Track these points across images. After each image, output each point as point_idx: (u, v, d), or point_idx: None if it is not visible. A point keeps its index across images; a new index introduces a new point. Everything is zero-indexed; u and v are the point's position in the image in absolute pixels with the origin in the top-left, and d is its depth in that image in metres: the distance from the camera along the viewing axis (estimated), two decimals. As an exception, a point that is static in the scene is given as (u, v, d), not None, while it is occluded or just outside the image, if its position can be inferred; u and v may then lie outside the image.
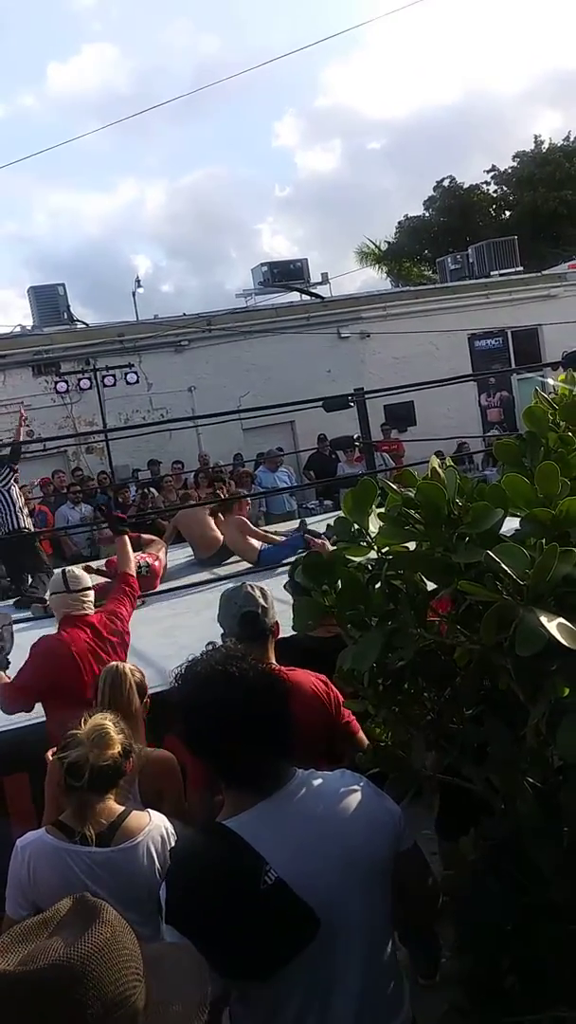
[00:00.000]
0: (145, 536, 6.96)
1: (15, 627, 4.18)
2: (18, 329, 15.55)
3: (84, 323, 16.16)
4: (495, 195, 30.51)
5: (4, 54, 75.82)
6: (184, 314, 16.30)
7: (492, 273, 18.86)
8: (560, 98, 46.22)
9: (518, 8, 65.07)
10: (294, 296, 17.89)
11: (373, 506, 1.68)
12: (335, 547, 1.74)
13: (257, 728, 1.54)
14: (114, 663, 2.99)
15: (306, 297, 17.71)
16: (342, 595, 1.63)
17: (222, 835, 1.50)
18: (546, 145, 29.24)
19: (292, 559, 3.91)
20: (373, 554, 1.66)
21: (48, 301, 16.06)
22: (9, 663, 3.69)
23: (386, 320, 16.93)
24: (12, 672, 3.59)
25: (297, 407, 9.47)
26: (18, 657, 3.63)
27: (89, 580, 3.77)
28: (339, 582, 1.64)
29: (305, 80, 72.18)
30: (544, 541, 1.35)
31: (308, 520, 7.74)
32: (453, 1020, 1.50)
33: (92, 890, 1.90)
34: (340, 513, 1.74)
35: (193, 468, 13.04)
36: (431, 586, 1.57)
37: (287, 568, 3.82)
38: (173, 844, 2.16)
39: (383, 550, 1.64)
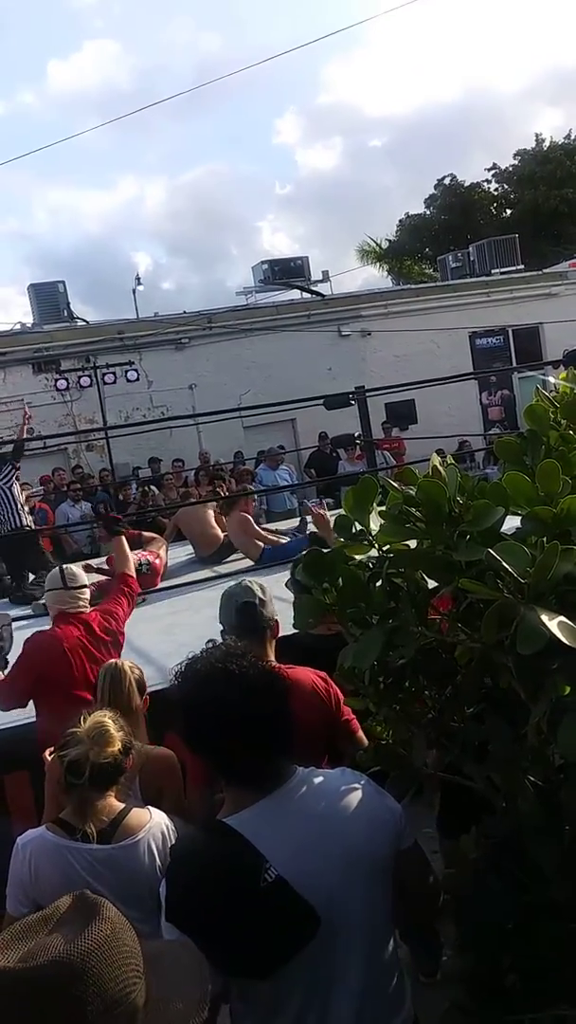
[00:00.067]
0: (146, 534, 6.95)
1: (15, 625, 4.18)
2: (18, 326, 15.54)
3: (84, 320, 16.16)
4: (496, 193, 30.47)
5: (5, 51, 75.87)
6: (184, 312, 16.30)
7: (493, 271, 18.84)
8: (561, 96, 46.19)
9: (519, 6, 65.05)
10: (295, 294, 17.88)
11: (374, 504, 1.68)
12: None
13: (257, 726, 1.54)
14: (113, 660, 3.00)
15: (307, 295, 17.69)
16: (343, 593, 1.63)
17: (222, 833, 1.50)
18: (547, 143, 29.19)
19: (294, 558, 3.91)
20: (374, 552, 1.66)
21: (48, 298, 16.03)
22: (8, 663, 3.69)
23: (387, 318, 16.91)
24: (10, 673, 3.60)
25: (298, 405, 9.45)
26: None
27: (86, 578, 3.76)
28: (340, 580, 1.64)
29: (306, 77, 72.33)
30: (545, 539, 1.34)
31: (308, 518, 7.74)
32: (454, 1018, 1.50)
33: (93, 887, 1.90)
34: (341, 511, 1.73)
35: (194, 466, 13.05)
36: (432, 584, 1.57)
37: (287, 566, 3.83)
38: (173, 841, 2.16)
39: (384, 548, 1.64)
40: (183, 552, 7.12)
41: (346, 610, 1.63)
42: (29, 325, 15.68)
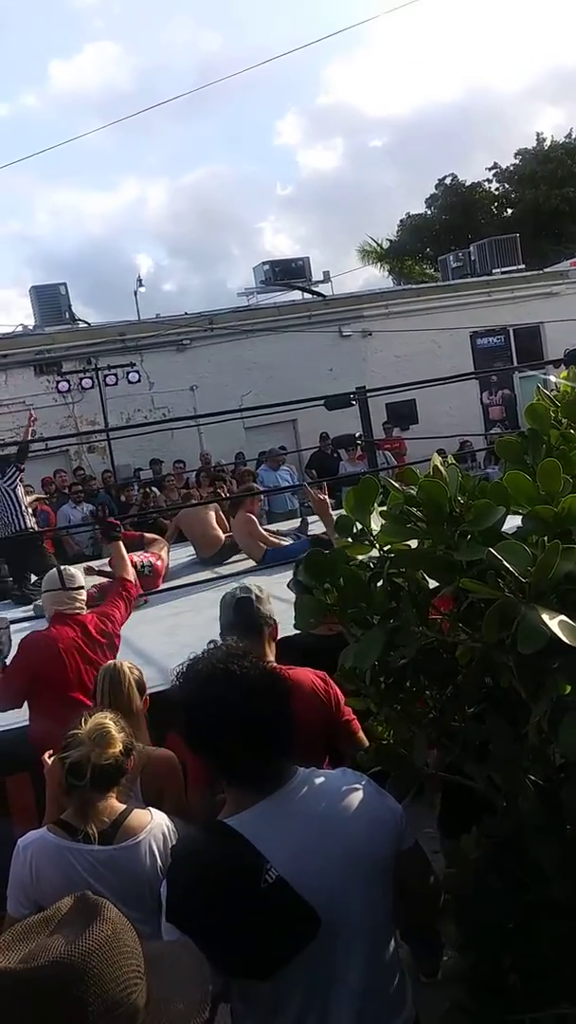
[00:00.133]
0: (148, 535, 6.96)
1: (16, 627, 4.19)
2: (20, 329, 15.55)
3: (86, 322, 16.16)
4: (497, 193, 30.47)
5: (6, 53, 75.87)
6: (186, 313, 16.31)
7: (494, 271, 18.84)
8: (562, 95, 46.17)
9: (520, 5, 65.05)
10: (296, 295, 17.89)
11: (375, 504, 1.68)
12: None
13: (258, 726, 1.54)
14: (112, 661, 3.00)
15: (308, 296, 17.70)
16: (344, 593, 1.63)
17: (223, 833, 1.50)
18: (548, 142, 29.19)
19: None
20: (375, 552, 1.66)
21: (50, 300, 16.06)
22: (7, 666, 3.69)
23: (388, 318, 16.91)
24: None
25: (299, 406, 9.46)
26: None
27: (83, 580, 3.77)
28: (341, 580, 1.64)
29: (307, 78, 72.32)
30: (546, 538, 1.34)
31: (310, 519, 7.74)
32: (455, 1018, 1.50)
33: (95, 888, 1.90)
34: (342, 511, 1.73)
35: (195, 467, 13.04)
36: (433, 584, 1.57)
37: (288, 567, 3.83)
38: (174, 842, 2.16)
39: (385, 548, 1.64)
40: (184, 553, 7.12)
41: (347, 610, 1.63)
42: (31, 327, 15.70)
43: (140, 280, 19.72)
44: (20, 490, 7.51)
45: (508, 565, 1.31)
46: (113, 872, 2.12)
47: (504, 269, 18.88)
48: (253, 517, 6.65)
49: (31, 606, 6.06)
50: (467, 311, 17.38)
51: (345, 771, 1.68)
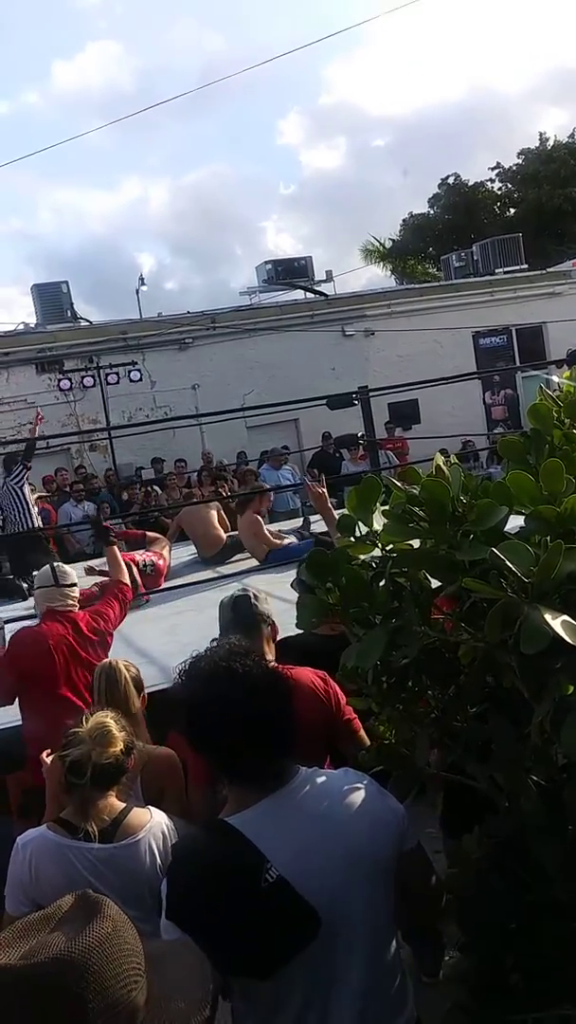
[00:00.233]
0: (150, 534, 6.96)
1: (16, 626, 4.18)
2: (21, 327, 15.56)
3: (88, 321, 16.17)
4: (500, 192, 30.43)
5: (9, 51, 75.99)
6: (188, 312, 16.30)
7: (496, 271, 18.82)
8: (565, 95, 46.02)
9: (523, 5, 64.98)
10: (298, 294, 17.89)
11: (377, 504, 1.68)
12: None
13: (260, 725, 1.53)
14: (107, 660, 3.00)
15: (310, 295, 17.70)
16: (346, 593, 1.63)
17: (224, 832, 1.50)
18: (551, 142, 29.15)
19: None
20: (377, 552, 1.66)
21: (51, 299, 16.06)
22: None
23: (390, 318, 16.90)
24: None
25: (301, 405, 9.44)
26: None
27: (76, 577, 3.77)
28: (343, 580, 1.64)
29: (309, 78, 72.30)
30: (549, 538, 1.34)
31: (312, 518, 7.74)
32: (457, 1018, 1.49)
33: (95, 887, 1.90)
34: (344, 511, 1.73)
35: (196, 466, 13.04)
36: (435, 584, 1.57)
37: (290, 567, 3.83)
38: (174, 841, 2.16)
39: (387, 548, 1.64)
40: (186, 552, 7.12)
41: (349, 610, 1.63)
42: (32, 325, 15.70)
43: (142, 279, 19.74)
44: (27, 488, 7.53)
45: (511, 565, 1.31)
46: (113, 871, 2.12)
47: (507, 269, 18.86)
48: (259, 518, 6.65)
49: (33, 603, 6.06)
50: (470, 311, 17.37)
51: (347, 771, 1.68)
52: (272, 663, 2.55)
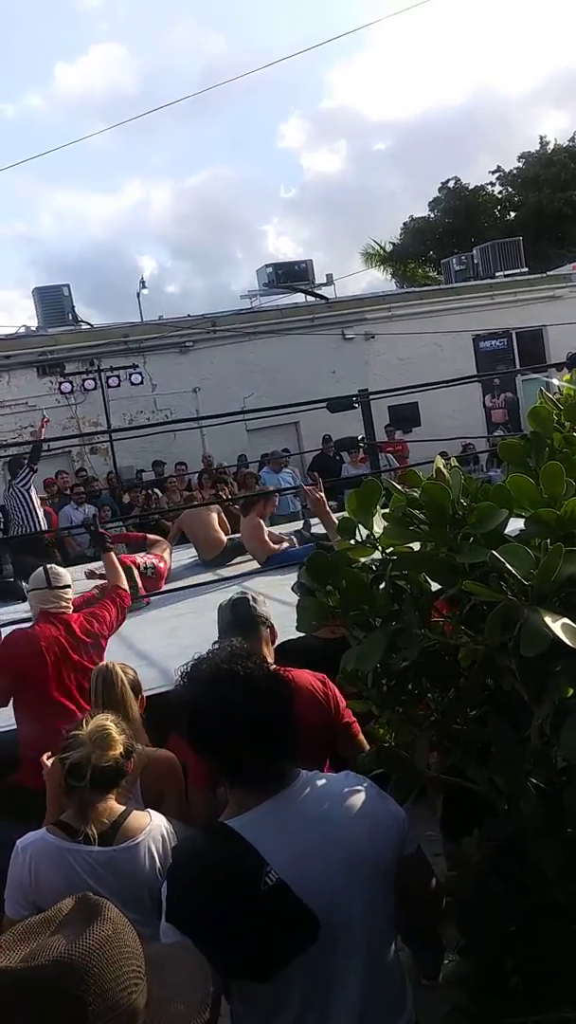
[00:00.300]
0: (150, 536, 6.97)
1: (17, 626, 4.18)
2: (23, 330, 15.59)
3: (89, 324, 16.20)
4: (500, 196, 30.47)
5: (11, 54, 76.15)
6: (189, 315, 16.33)
7: (497, 274, 18.84)
8: (565, 99, 46.23)
9: (524, 9, 65.10)
10: (299, 297, 17.92)
11: (377, 507, 1.68)
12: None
13: (261, 727, 1.53)
14: (104, 663, 2.99)
15: (311, 298, 17.73)
16: (346, 595, 1.63)
17: (224, 835, 1.50)
18: (551, 146, 29.22)
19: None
20: (377, 554, 1.66)
21: (53, 302, 16.08)
22: None
23: (391, 321, 16.93)
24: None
25: (301, 408, 9.46)
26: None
27: (70, 578, 3.77)
28: (343, 582, 1.64)
29: (310, 81, 72.36)
30: (549, 541, 1.34)
31: (312, 520, 7.74)
32: (456, 1021, 1.49)
33: (95, 890, 1.90)
34: (344, 514, 1.73)
35: (197, 469, 13.05)
36: (435, 586, 1.57)
37: (291, 570, 3.83)
38: (173, 844, 2.16)
39: (387, 550, 1.64)
40: (186, 555, 7.12)
41: (349, 613, 1.63)
42: (34, 328, 15.73)
43: (143, 282, 19.73)
44: (33, 491, 7.56)
45: (511, 568, 1.31)
46: (112, 873, 2.12)
47: (507, 272, 18.88)
48: (261, 522, 6.65)
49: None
50: (470, 314, 17.39)
51: (348, 774, 1.68)
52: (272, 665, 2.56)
